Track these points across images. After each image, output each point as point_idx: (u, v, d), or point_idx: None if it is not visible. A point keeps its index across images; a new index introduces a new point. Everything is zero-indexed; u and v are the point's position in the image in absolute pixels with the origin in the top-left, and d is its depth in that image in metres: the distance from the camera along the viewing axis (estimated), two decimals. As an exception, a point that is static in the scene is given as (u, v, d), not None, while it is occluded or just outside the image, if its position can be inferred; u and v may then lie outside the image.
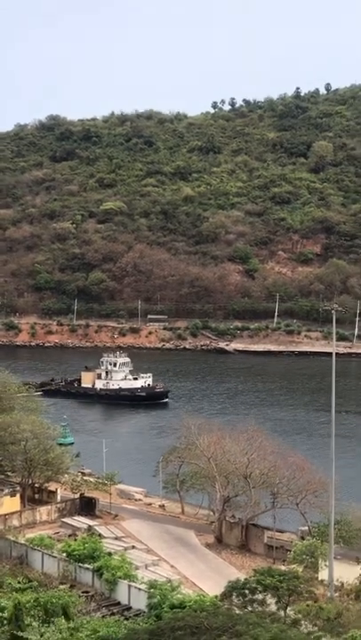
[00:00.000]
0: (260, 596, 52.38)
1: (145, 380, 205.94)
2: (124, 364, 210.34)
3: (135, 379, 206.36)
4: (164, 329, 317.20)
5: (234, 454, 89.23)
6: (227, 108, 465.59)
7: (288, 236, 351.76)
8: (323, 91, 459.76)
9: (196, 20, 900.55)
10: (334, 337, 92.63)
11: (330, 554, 68.83)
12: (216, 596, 56.99)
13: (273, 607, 52.35)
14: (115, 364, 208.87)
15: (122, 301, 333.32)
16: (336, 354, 77.29)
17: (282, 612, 52.17)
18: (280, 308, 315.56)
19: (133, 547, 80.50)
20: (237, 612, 48.56)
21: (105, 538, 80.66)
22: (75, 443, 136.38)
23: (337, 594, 64.97)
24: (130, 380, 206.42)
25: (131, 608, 63.88)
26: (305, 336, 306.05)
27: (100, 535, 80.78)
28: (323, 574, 70.92)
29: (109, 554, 71.24)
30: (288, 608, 53.31)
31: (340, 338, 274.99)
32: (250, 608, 50.75)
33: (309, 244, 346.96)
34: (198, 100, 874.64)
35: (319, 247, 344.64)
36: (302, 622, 50.15)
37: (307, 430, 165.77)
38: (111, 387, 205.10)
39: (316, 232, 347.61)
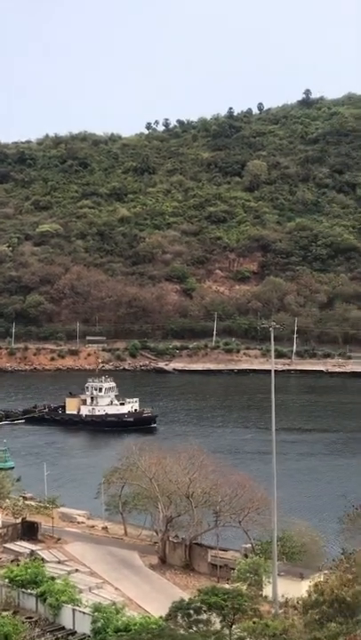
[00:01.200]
0: (204, 616, 52.26)
1: (132, 405, 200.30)
2: (109, 388, 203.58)
3: (122, 404, 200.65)
4: (103, 350, 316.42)
5: (175, 474, 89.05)
6: (161, 128, 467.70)
7: (225, 254, 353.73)
8: (255, 110, 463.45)
9: (128, 40, 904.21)
10: (273, 354, 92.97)
11: (273, 570, 68.92)
12: (161, 617, 56.76)
13: (218, 626, 52.25)
14: (100, 389, 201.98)
15: (60, 323, 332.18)
16: (275, 371, 77.56)
17: (227, 631, 52.09)
18: (218, 327, 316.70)
19: (77, 570, 79.79)
20: (182, 632, 48.43)
21: (48, 562, 79.88)
22: (15, 467, 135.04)
23: (282, 610, 65.08)
24: (116, 405, 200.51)
25: (75, 632, 63.25)
26: (244, 354, 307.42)
27: (42, 559, 79.99)
28: (267, 591, 70.99)
29: (52, 578, 70.58)
30: (233, 626, 53.27)
31: (279, 355, 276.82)
32: (195, 628, 50.60)
33: (246, 263, 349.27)
34: (132, 122, 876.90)
35: (256, 265, 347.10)
36: (247, 640, 50.12)
37: (247, 448, 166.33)
38: (97, 412, 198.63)
39: (252, 250, 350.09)
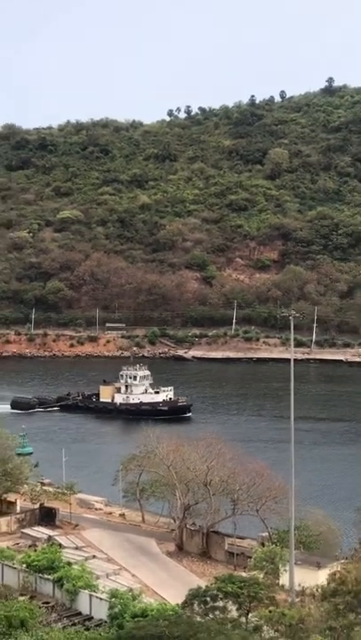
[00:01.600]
0: (221, 604, 52.34)
1: (166, 394, 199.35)
2: (144, 377, 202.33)
3: (157, 392, 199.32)
4: (122, 337, 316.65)
5: (193, 462, 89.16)
6: (182, 115, 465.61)
7: (245, 242, 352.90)
8: (278, 98, 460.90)
9: (151, 28, 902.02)
10: (292, 343, 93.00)
11: (290, 559, 68.98)
12: (177, 605, 56.90)
13: (234, 614, 52.34)
14: (135, 378, 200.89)
15: (79, 310, 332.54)
16: (294, 360, 77.53)
17: (243, 619, 52.17)
18: (238, 315, 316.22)
19: (94, 556, 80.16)
20: (199, 619, 48.52)
21: (65, 548, 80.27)
22: (33, 452, 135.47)
23: (298, 599, 65.10)
24: (151, 393, 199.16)
25: (92, 618, 63.53)
26: (263, 342, 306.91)
27: (60, 545, 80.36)
28: (283, 580, 71.05)
29: (69, 564, 70.86)
30: (249, 614, 53.33)
31: (298, 344, 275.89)
32: (211, 615, 50.69)
33: (266, 251, 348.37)
34: (154, 108, 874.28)
35: (276, 254, 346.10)
36: (264, 628, 50.15)
37: (266, 436, 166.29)
38: (131, 401, 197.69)
39: (272, 239, 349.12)
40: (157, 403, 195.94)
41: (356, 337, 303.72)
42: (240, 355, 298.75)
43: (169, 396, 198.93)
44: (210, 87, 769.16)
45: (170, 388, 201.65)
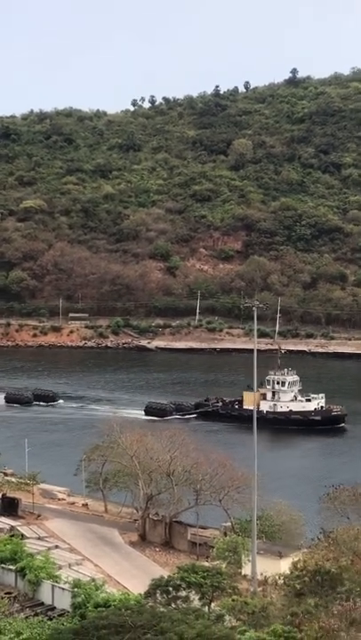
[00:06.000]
0: (183, 593, 52.50)
1: (318, 402, 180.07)
2: (293, 382, 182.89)
3: (308, 400, 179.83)
4: (86, 327, 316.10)
5: (156, 452, 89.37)
6: (147, 105, 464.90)
7: (209, 233, 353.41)
8: (242, 89, 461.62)
9: (116, 16, 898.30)
10: (255, 334, 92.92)
11: (253, 549, 69.30)
12: (140, 594, 56.99)
13: (197, 604, 52.52)
14: (283, 383, 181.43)
15: (43, 300, 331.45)
16: (257, 350, 77.64)
17: (206, 609, 52.36)
18: (202, 306, 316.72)
19: (57, 546, 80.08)
20: (162, 609, 48.62)
21: (28, 538, 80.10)
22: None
23: (260, 588, 65.43)
24: (301, 401, 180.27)
25: (55, 608, 63.44)
26: (227, 333, 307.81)
27: (22, 536, 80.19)
28: (246, 569, 71.39)
29: (31, 554, 70.72)
30: (212, 604, 53.54)
31: (262, 334, 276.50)
32: (174, 605, 50.81)
33: (230, 242, 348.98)
34: (118, 98, 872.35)
35: (240, 244, 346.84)
36: (226, 617, 50.39)
37: (229, 427, 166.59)
38: (279, 409, 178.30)
39: (236, 229, 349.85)
40: (309, 412, 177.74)
41: (319, 328, 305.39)
42: (204, 345, 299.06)
43: (321, 404, 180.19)
44: (174, 77, 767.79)
45: (321, 395, 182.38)
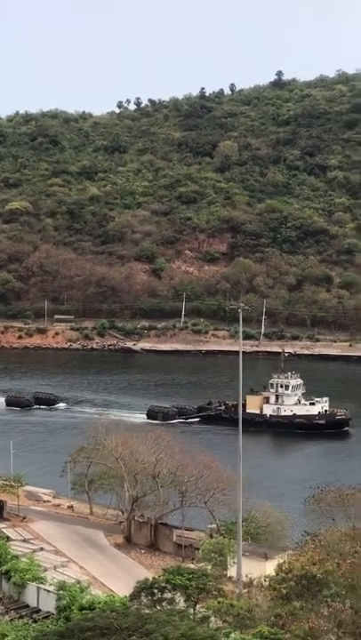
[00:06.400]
0: (169, 595, 52.54)
1: (322, 406, 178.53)
2: (297, 386, 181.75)
3: (312, 404, 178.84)
4: (71, 329, 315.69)
5: (142, 454, 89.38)
6: (132, 107, 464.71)
7: (194, 235, 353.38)
8: (227, 91, 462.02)
9: (99, 18, 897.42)
10: (241, 336, 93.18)
11: (238, 551, 69.34)
12: (125, 596, 56.99)
13: (182, 605, 52.57)
14: (287, 387, 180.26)
15: (28, 302, 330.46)
16: (243, 352, 77.80)
17: (191, 610, 52.40)
18: (187, 308, 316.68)
19: (42, 548, 80.00)
20: (147, 611, 48.64)
21: (13, 540, 79.99)
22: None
23: (246, 590, 65.49)
24: (305, 405, 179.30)
25: (40, 610, 63.44)
26: (212, 335, 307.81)
27: (7, 538, 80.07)
28: (231, 571, 71.44)
29: (16, 556, 70.64)
30: (197, 606, 53.59)
31: (247, 336, 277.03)
32: (159, 607, 50.85)
33: (216, 244, 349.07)
34: (103, 100, 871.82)
35: (225, 246, 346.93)
36: (212, 619, 50.46)
37: (214, 429, 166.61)
38: (283, 413, 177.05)
39: (222, 231, 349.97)
40: (313, 415, 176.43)
41: (304, 330, 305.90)
42: (189, 347, 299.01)
43: (325, 408, 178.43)
44: (160, 79, 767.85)
45: (325, 398, 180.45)
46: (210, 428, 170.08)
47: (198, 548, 77.60)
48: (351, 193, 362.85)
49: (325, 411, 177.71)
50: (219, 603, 52.02)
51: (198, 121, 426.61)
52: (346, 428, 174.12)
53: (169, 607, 50.51)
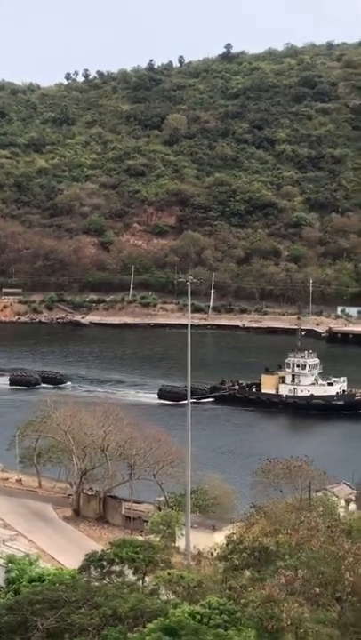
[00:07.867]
0: (117, 568, 52.64)
1: (340, 386, 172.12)
2: (313, 365, 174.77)
3: (330, 384, 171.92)
4: (20, 302, 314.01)
5: (90, 427, 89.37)
6: (80, 79, 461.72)
7: (143, 208, 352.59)
8: (176, 64, 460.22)
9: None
10: (190, 309, 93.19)
11: (187, 523, 69.76)
12: (74, 569, 57.02)
13: (131, 578, 52.74)
14: (303, 366, 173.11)
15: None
16: (191, 325, 77.90)
17: (140, 583, 52.59)
18: (136, 281, 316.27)
19: (-10, 522, 79.84)
20: (96, 584, 48.73)
21: None
22: None
23: (194, 562, 65.91)
24: (322, 385, 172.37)
25: (-12, 584, 63.25)
26: (161, 308, 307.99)
27: None
28: (180, 543, 71.83)
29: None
30: (146, 578, 53.79)
31: (196, 309, 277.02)
32: (108, 580, 50.94)
33: (164, 217, 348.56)
34: (51, 72, 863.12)
35: (174, 219, 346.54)
36: (162, 591, 50.66)
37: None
38: (300, 393, 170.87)
39: (170, 204, 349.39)
40: (331, 396, 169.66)
41: (252, 303, 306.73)
42: (138, 320, 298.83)
43: (343, 388, 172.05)
44: (108, 51, 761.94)
45: (343, 378, 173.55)
46: (223, 409, 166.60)
47: (147, 521, 77.90)
48: (299, 166, 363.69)
49: (343, 391, 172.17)
50: (169, 574, 52.19)
51: (147, 93, 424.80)
52: None
53: (118, 580, 50.66)
